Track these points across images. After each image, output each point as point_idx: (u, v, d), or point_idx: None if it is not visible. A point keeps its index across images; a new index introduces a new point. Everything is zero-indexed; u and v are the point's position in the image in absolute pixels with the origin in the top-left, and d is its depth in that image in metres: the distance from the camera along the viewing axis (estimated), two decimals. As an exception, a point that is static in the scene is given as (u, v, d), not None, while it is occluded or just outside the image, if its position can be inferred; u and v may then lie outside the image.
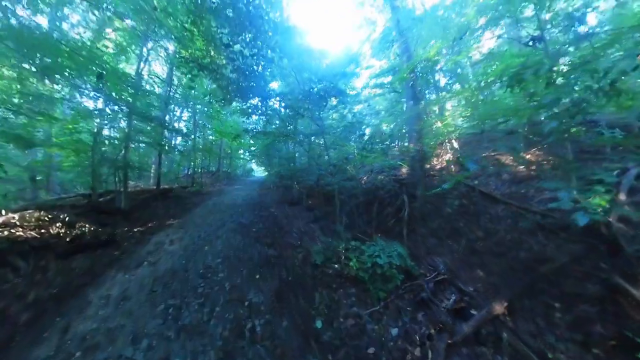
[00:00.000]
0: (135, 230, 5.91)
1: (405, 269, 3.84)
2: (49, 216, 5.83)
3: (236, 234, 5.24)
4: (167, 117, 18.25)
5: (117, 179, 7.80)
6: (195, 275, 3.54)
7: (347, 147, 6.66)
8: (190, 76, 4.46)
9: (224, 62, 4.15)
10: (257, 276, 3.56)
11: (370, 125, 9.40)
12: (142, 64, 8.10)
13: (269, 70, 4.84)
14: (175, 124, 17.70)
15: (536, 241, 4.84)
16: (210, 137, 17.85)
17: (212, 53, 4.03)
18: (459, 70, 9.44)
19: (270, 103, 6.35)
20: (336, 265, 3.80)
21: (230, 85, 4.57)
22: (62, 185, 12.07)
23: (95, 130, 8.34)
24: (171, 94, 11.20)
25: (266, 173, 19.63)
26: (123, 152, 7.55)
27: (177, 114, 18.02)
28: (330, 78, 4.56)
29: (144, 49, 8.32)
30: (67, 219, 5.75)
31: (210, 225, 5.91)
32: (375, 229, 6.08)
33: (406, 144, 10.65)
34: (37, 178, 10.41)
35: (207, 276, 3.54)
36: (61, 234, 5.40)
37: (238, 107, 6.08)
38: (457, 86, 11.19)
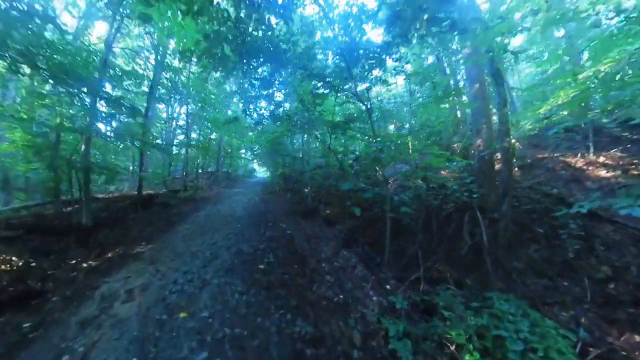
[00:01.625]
0: (85, 265, 3.95)
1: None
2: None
3: (235, 278, 3.28)
4: (169, 111, 16.37)
5: (79, 184, 5.84)
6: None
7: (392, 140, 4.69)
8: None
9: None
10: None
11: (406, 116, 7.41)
12: (112, 31, 6.10)
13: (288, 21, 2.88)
14: (174, 122, 15.76)
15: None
16: (213, 135, 15.93)
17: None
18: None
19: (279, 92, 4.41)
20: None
21: (224, 27, 2.62)
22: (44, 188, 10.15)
23: (58, 121, 6.40)
24: (162, 81, 9.19)
25: (269, 173, 17.68)
26: (83, 148, 5.57)
27: (177, 110, 16.08)
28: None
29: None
30: (-23, 250, 3.79)
31: (196, 257, 3.94)
32: (446, 262, 4.13)
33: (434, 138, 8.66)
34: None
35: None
36: (-33, 276, 3.47)
37: (240, 82, 4.11)
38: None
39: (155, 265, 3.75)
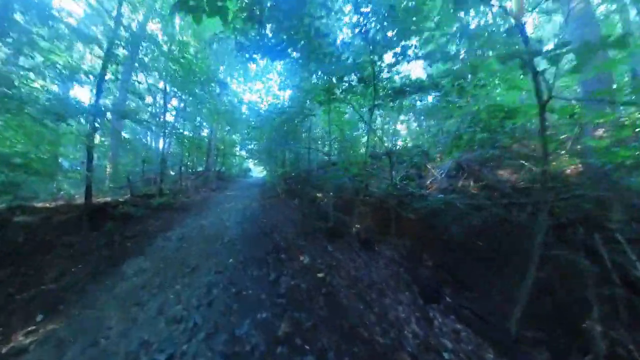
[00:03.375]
0: None
1: None
2: None
3: None
4: (155, 103, 13.78)
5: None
6: None
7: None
8: None
9: None
10: None
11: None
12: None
13: None
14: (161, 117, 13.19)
15: None
16: (205, 131, 13.65)
17: None
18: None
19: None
20: None
21: None
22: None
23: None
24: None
25: (265, 172, 15.30)
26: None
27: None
28: None
29: None
30: None
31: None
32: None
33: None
34: None
35: None
36: None
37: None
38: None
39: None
